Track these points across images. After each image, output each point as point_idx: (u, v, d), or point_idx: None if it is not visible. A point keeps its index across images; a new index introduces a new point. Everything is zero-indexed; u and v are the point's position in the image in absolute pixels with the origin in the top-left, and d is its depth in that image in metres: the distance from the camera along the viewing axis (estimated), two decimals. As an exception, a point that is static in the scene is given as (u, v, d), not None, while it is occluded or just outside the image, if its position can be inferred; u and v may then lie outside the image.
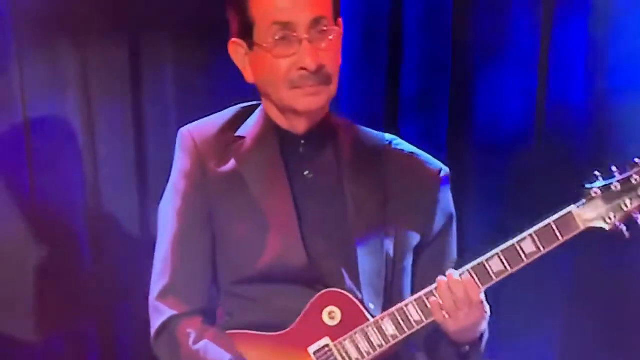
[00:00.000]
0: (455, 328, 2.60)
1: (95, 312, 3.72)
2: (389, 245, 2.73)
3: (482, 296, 2.61)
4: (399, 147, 2.83)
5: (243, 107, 2.86)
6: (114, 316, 3.75)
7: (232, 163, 2.77)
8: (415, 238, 2.76)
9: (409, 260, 2.76)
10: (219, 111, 3.47)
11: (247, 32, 2.70)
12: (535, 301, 3.79)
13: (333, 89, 2.72)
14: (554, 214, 2.56)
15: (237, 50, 2.75)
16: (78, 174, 3.63)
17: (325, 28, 2.68)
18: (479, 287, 2.58)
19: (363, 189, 2.75)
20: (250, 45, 2.71)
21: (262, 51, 2.69)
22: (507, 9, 3.78)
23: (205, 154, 2.78)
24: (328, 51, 2.68)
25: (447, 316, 2.58)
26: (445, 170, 2.82)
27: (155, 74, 3.67)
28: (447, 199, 2.81)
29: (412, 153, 2.83)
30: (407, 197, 2.76)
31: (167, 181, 3.38)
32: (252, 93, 3.60)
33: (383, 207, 2.74)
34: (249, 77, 2.77)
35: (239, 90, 3.54)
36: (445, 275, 2.59)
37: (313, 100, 2.70)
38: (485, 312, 2.63)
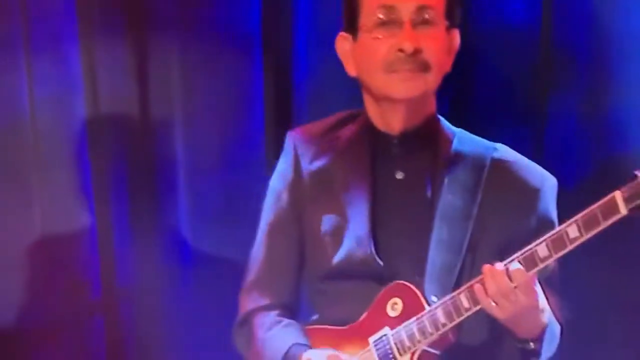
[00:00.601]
0: (503, 316, 2.64)
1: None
2: (471, 246, 2.78)
3: (534, 284, 2.64)
4: (503, 156, 2.85)
5: (351, 112, 2.95)
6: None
7: (324, 160, 2.87)
8: (501, 243, 2.78)
9: (490, 262, 2.74)
10: (223, 112, 3.66)
11: (353, 20, 2.79)
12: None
13: (431, 80, 2.77)
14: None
15: (343, 44, 2.84)
16: (85, 172, 3.71)
17: (429, 17, 2.75)
18: (522, 272, 2.60)
19: (454, 192, 2.79)
20: (355, 33, 2.80)
21: (364, 35, 2.77)
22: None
23: (302, 154, 2.89)
24: (429, 39, 2.74)
25: (492, 303, 2.62)
26: (551, 180, 2.84)
27: (161, 74, 3.74)
28: (546, 209, 2.82)
29: (516, 162, 2.85)
30: (502, 204, 2.78)
31: (172, 181, 3.56)
32: (254, 93, 3.75)
33: (470, 211, 2.78)
34: (351, 70, 2.84)
35: (242, 91, 3.72)
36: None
37: (409, 86, 2.75)
38: (538, 302, 2.65)
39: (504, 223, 2.78)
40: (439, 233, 2.77)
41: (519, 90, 3.87)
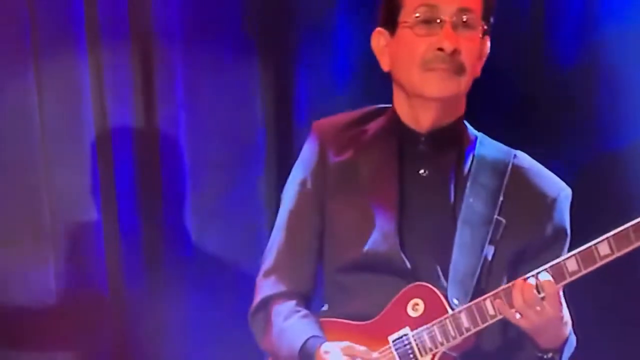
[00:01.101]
0: (528, 325, 2.67)
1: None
2: (490, 250, 2.79)
3: (560, 296, 2.67)
4: (523, 162, 2.89)
5: (378, 107, 2.93)
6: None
7: (350, 152, 2.85)
8: (518, 249, 2.81)
9: (507, 267, 2.82)
10: (226, 113, 3.64)
11: (393, 17, 2.80)
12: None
13: (464, 82, 2.79)
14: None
15: (378, 39, 2.85)
16: (94, 174, 3.69)
17: (468, 20, 2.77)
18: (552, 284, 2.63)
19: (476, 194, 2.81)
20: (394, 28, 2.81)
21: (404, 31, 2.78)
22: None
23: (328, 144, 2.87)
24: (467, 41, 2.76)
25: (518, 316, 2.65)
26: (566, 190, 2.88)
27: (166, 77, 3.72)
28: (561, 219, 2.85)
29: (535, 169, 2.89)
30: (520, 210, 2.81)
31: (177, 182, 3.53)
32: (257, 95, 3.74)
33: (491, 214, 2.80)
34: (385, 65, 2.85)
35: (246, 92, 3.71)
36: None
37: (443, 85, 2.77)
38: (562, 314, 2.68)
39: (522, 230, 2.81)
40: (461, 236, 2.79)
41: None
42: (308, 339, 2.75)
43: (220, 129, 3.77)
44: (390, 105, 2.91)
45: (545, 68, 3.91)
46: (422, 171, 2.84)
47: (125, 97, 3.69)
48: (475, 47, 2.80)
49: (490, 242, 2.79)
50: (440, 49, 2.74)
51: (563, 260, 2.65)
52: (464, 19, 2.77)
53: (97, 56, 3.65)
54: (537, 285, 2.64)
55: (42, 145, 3.58)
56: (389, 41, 2.84)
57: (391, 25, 2.82)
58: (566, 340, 2.75)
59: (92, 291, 3.70)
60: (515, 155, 2.90)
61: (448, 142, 2.86)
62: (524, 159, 2.90)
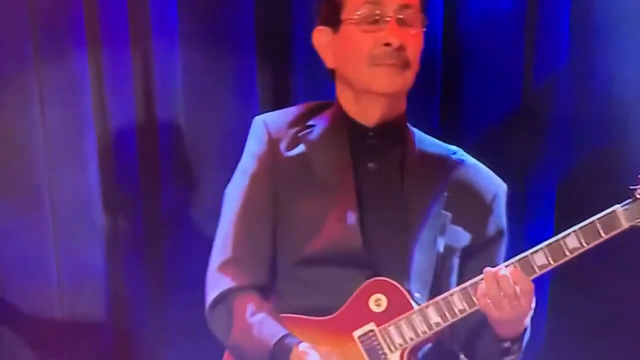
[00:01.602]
0: (499, 318, 2.66)
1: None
2: (440, 243, 2.81)
3: (532, 289, 2.67)
4: (462, 158, 2.93)
5: (318, 103, 2.95)
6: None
7: (300, 147, 2.85)
8: (464, 241, 2.84)
9: (456, 261, 2.85)
10: (227, 113, 3.64)
11: (335, 15, 2.82)
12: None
13: (410, 76, 2.81)
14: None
15: (320, 37, 2.87)
16: (93, 172, 3.70)
17: (410, 16, 2.79)
18: (527, 280, 2.64)
19: (422, 189, 2.83)
20: (337, 26, 2.82)
21: (348, 28, 2.80)
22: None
23: (276, 139, 2.87)
24: (411, 37, 2.79)
25: (491, 304, 2.64)
26: (503, 186, 2.92)
27: (166, 77, 3.74)
28: (500, 213, 2.90)
29: (474, 165, 2.93)
30: (463, 204, 2.84)
31: (179, 181, 3.52)
32: (258, 95, 3.74)
33: (439, 209, 2.82)
34: (329, 62, 2.87)
35: (246, 93, 3.70)
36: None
37: (390, 81, 2.79)
38: (531, 307, 2.68)
39: (467, 225, 2.85)
40: (417, 228, 2.80)
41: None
42: (283, 336, 2.73)
43: (218, 127, 3.78)
44: (330, 102, 2.92)
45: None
46: (370, 165, 2.85)
47: (126, 96, 3.70)
48: (419, 42, 2.83)
49: (441, 236, 2.81)
50: (387, 45, 2.77)
51: (531, 253, 2.66)
52: (407, 15, 2.79)
53: (97, 55, 3.66)
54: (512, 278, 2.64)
55: (44, 144, 3.60)
56: (332, 38, 2.85)
57: (333, 23, 2.84)
58: (526, 329, 2.76)
59: (93, 291, 3.72)
60: (454, 152, 2.94)
61: (394, 136, 2.88)
62: (464, 156, 2.94)
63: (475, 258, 2.85)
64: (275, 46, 3.85)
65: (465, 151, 2.95)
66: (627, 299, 3.92)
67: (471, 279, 2.70)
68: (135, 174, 3.78)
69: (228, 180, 3.69)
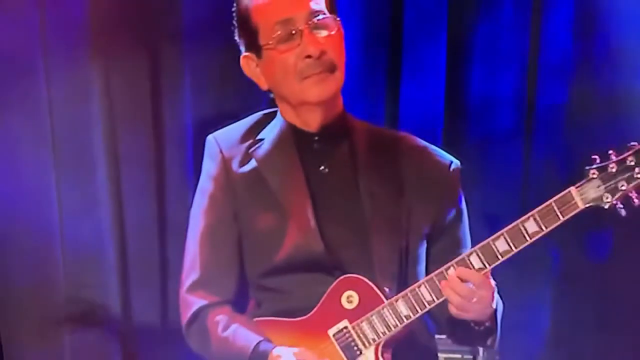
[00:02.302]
0: (468, 315, 2.72)
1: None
2: (402, 234, 2.85)
3: (489, 275, 2.71)
4: (411, 142, 2.96)
5: (264, 113, 3.01)
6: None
7: (252, 163, 2.91)
8: (426, 227, 2.88)
9: (421, 249, 2.88)
10: (230, 115, 3.67)
11: (254, 41, 2.87)
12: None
13: (340, 77, 2.86)
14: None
15: (248, 64, 2.92)
16: (101, 175, 3.76)
17: (322, 20, 2.83)
18: (479, 269, 2.68)
19: (377, 181, 2.87)
20: (259, 52, 2.87)
21: (269, 53, 2.85)
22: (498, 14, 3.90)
23: (229, 157, 2.93)
24: (329, 40, 2.83)
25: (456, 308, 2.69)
26: (456, 163, 2.94)
27: (173, 82, 3.79)
28: (456, 191, 2.93)
29: (425, 147, 2.96)
30: (419, 189, 2.87)
31: (182, 180, 3.56)
32: (259, 96, 3.78)
33: (396, 198, 2.86)
34: (263, 85, 2.93)
35: (249, 95, 3.74)
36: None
37: (322, 88, 2.84)
38: (493, 289, 2.72)
39: (426, 206, 2.88)
40: (375, 223, 2.84)
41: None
42: (258, 343, 2.81)
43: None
44: (275, 110, 2.98)
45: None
46: (322, 168, 2.90)
47: (133, 98, 3.77)
48: (339, 42, 2.87)
49: (401, 227, 2.85)
50: (309, 56, 2.81)
51: (492, 240, 2.69)
52: (318, 20, 2.83)
53: (104, 56, 3.73)
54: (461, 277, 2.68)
55: (54, 146, 3.68)
56: (259, 63, 2.90)
57: (255, 49, 2.89)
58: (496, 307, 2.78)
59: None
60: (403, 137, 2.97)
61: (339, 135, 2.92)
62: (411, 139, 2.97)
63: (440, 242, 2.88)
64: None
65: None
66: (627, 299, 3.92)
67: (440, 265, 2.74)
68: (140, 176, 3.85)
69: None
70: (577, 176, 3.71)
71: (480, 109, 4.03)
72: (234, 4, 2.91)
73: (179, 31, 3.75)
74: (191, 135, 3.84)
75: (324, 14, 2.84)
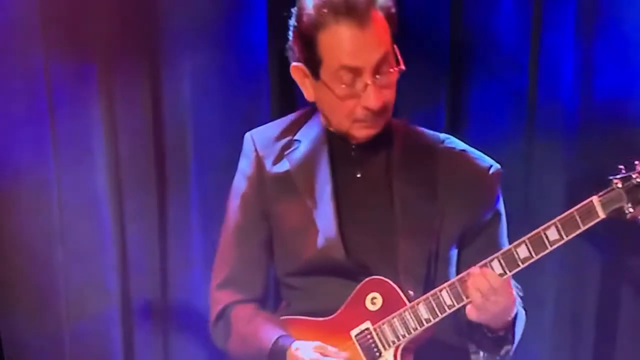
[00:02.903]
0: (485, 317, 2.72)
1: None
2: (433, 238, 2.85)
3: (510, 282, 2.73)
4: (450, 145, 2.94)
5: (304, 111, 3.00)
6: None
7: (285, 165, 2.94)
8: (459, 231, 2.88)
9: (452, 252, 2.89)
10: (231, 115, 3.68)
11: (314, 66, 2.81)
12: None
13: (388, 116, 2.86)
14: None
15: (298, 73, 2.87)
16: (101, 173, 3.76)
17: (386, 68, 2.77)
18: (499, 275, 2.69)
19: (411, 186, 2.86)
20: (316, 76, 2.81)
21: (328, 87, 2.79)
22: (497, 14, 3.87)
23: (263, 156, 2.96)
24: (389, 87, 2.80)
25: (474, 307, 2.70)
26: (496, 166, 2.92)
27: (173, 79, 3.78)
28: (494, 195, 2.92)
29: (464, 150, 2.94)
30: (454, 192, 2.86)
31: (183, 179, 3.61)
32: (261, 98, 3.77)
33: (429, 201, 2.85)
34: (309, 97, 2.89)
35: (249, 96, 3.77)
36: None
37: (372, 130, 2.84)
38: (513, 297, 2.74)
39: (461, 209, 2.87)
40: (405, 227, 2.85)
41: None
42: (278, 338, 2.86)
43: (226, 129, 3.81)
44: (315, 109, 2.96)
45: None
46: (358, 175, 2.92)
47: (133, 97, 3.76)
48: (394, 84, 2.81)
49: (433, 230, 2.85)
50: (368, 108, 2.78)
51: (513, 246, 2.70)
52: (383, 67, 2.77)
53: (105, 56, 3.70)
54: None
55: (54, 145, 3.68)
56: (313, 82, 2.85)
57: (313, 72, 2.82)
58: (515, 317, 2.80)
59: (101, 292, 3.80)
60: (443, 140, 2.95)
61: (378, 143, 2.90)
62: (452, 142, 2.96)
63: (474, 243, 2.89)
64: (282, 48, 3.84)
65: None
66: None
67: (472, 266, 2.73)
68: (140, 175, 3.83)
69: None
70: (576, 177, 3.81)
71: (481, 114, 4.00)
72: (295, 10, 2.84)
73: (180, 30, 3.74)
74: (191, 134, 3.86)
75: (389, 54, 2.78)
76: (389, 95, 2.80)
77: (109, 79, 3.71)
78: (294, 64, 2.87)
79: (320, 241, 2.87)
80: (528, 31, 3.87)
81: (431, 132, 2.98)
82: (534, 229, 2.82)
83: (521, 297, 2.91)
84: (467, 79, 3.91)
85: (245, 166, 3.00)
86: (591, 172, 3.70)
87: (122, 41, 3.69)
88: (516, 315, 2.80)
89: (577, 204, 2.70)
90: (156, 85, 3.77)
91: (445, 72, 3.89)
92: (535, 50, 3.87)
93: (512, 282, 2.91)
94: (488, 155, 2.96)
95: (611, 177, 2.67)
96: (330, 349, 2.79)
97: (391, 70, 2.78)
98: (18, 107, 3.64)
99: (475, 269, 2.70)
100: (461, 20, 3.87)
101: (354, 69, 2.75)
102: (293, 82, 3.76)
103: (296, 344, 2.82)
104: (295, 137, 2.97)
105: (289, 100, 3.79)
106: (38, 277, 3.72)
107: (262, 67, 3.83)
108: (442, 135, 2.97)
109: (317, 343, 2.81)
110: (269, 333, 2.88)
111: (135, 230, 3.83)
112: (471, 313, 2.72)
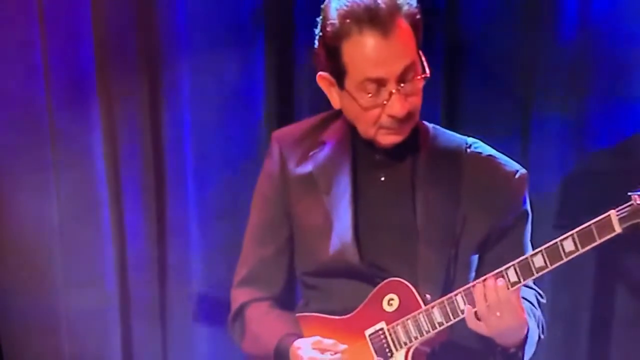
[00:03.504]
0: (485, 330, 2.74)
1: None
2: (453, 242, 2.86)
3: (521, 304, 2.74)
4: (477, 150, 2.93)
5: (330, 112, 2.99)
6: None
7: (308, 166, 2.95)
8: (480, 235, 2.88)
9: (472, 257, 2.90)
10: (230, 115, 3.70)
11: (339, 76, 2.80)
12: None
13: (414, 123, 2.85)
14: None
15: (325, 81, 2.86)
16: (101, 173, 3.78)
17: (411, 76, 2.76)
18: (514, 283, 2.71)
19: (435, 190, 2.86)
20: (341, 86, 2.81)
21: (351, 96, 2.79)
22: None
23: (287, 156, 2.97)
24: (414, 95, 2.79)
25: (479, 319, 2.72)
26: (522, 171, 2.92)
27: (172, 80, 3.80)
28: (520, 200, 2.91)
29: (490, 155, 2.93)
30: (478, 197, 2.86)
31: (183, 179, 3.65)
32: (262, 100, 3.80)
33: (452, 205, 2.86)
34: (336, 105, 2.88)
35: (245, 91, 3.78)
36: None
37: (398, 137, 2.84)
38: (522, 320, 2.75)
39: (483, 215, 2.88)
40: (426, 231, 2.86)
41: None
42: (282, 337, 2.90)
43: (223, 129, 3.84)
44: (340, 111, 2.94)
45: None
46: (382, 178, 2.93)
47: (132, 98, 3.77)
48: (420, 91, 2.81)
49: (454, 235, 2.86)
50: (392, 116, 2.78)
51: (530, 256, 2.72)
52: (408, 75, 2.76)
53: (104, 58, 3.71)
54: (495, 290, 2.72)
55: (52, 144, 3.69)
56: (339, 91, 2.84)
57: (338, 81, 2.82)
58: (526, 335, 2.81)
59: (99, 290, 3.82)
60: (469, 144, 2.95)
61: (404, 148, 2.90)
62: (478, 146, 2.95)
63: (498, 246, 2.89)
64: (281, 48, 3.86)
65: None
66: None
67: (494, 269, 2.74)
68: (140, 175, 3.86)
69: (233, 181, 3.82)
70: (577, 178, 3.84)
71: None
72: (320, 20, 2.83)
73: (179, 32, 3.76)
74: (190, 135, 3.87)
75: (414, 63, 2.77)
76: (415, 102, 2.80)
77: (108, 79, 3.72)
78: (320, 73, 2.86)
79: (335, 243, 2.89)
80: (525, 30, 3.88)
81: (458, 135, 2.97)
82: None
83: (540, 305, 2.95)
84: (463, 78, 3.91)
85: (269, 165, 3.01)
86: (589, 172, 3.80)
87: (122, 41, 3.71)
88: (527, 334, 2.81)
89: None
90: (155, 86, 3.78)
91: (440, 71, 3.88)
92: (533, 49, 3.88)
93: (534, 290, 2.97)
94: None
95: (631, 193, 2.69)
96: (326, 341, 2.81)
97: (417, 78, 2.78)
98: (18, 107, 3.64)
99: (490, 279, 2.72)
100: (457, 20, 3.87)
101: (378, 79, 2.75)
102: (292, 83, 3.86)
103: (298, 342, 2.86)
104: (321, 139, 2.98)
105: (287, 100, 3.84)
106: (37, 277, 3.74)
107: (259, 69, 3.86)
108: (470, 140, 2.96)
109: (316, 338, 2.83)
110: (276, 332, 2.92)
111: (135, 230, 3.85)
112: (470, 321, 2.74)
